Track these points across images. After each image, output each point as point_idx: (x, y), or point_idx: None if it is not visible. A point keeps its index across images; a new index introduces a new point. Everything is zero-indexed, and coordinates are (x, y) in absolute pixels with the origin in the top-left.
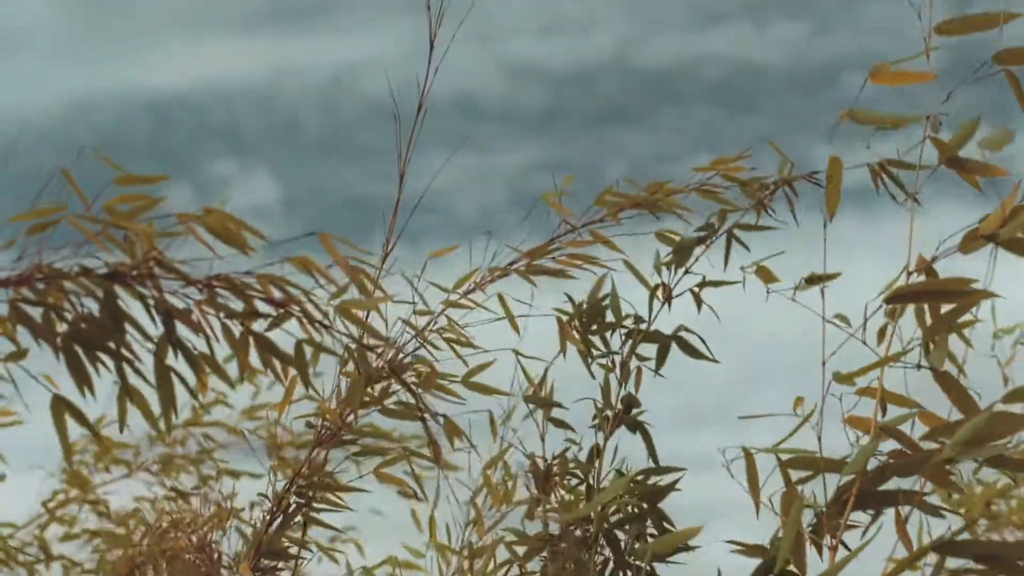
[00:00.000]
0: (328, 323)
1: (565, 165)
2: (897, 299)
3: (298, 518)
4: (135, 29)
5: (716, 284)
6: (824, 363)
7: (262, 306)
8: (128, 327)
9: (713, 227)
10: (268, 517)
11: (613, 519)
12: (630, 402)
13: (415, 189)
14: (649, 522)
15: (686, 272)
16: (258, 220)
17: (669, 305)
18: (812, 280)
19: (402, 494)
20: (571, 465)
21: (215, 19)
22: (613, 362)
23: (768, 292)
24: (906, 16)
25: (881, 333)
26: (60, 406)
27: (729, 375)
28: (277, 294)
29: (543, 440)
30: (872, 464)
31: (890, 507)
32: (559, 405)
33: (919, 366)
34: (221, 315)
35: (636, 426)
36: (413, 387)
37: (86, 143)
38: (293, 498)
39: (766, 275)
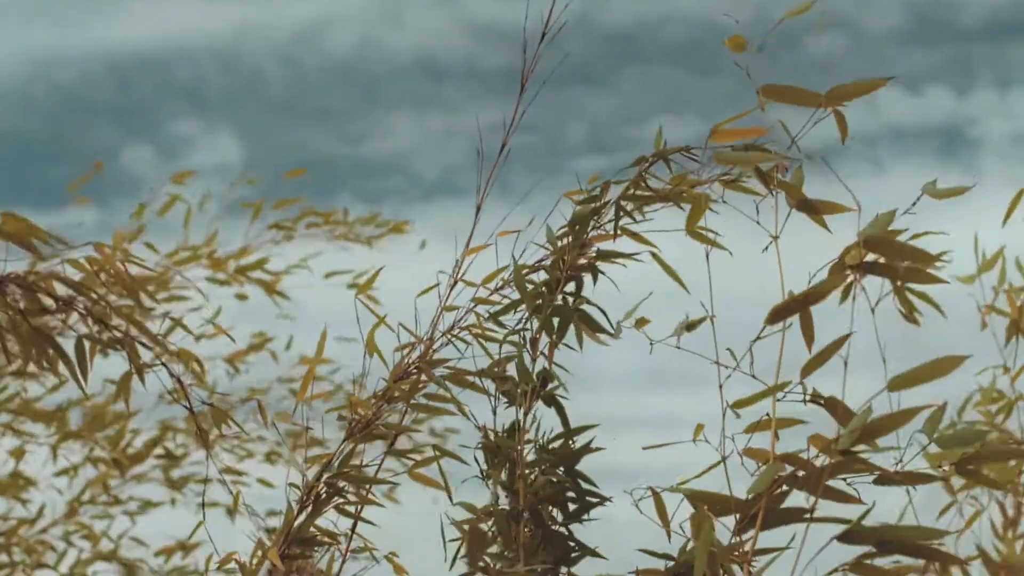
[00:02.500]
0: (107, 321)
1: (528, 125)
2: (776, 317)
3: (329, 506)
4: None
5: (610, 256)
6: (720, 386)
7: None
8: None
9: (598, 198)
10: (298, 506)
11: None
12: (545, 376)
13: (377, 149)
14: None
15: (583, 245)
16: (221, 180)
17: (567, 278)
18: (690, 326)
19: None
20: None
21: None
22: (524, 338)
23: (649, 344)
24: None
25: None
26: None
27: (693, 335)
28: (62, 291)
29: (495, 413)
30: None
31: (795, 522)
32: (510, 379)
33: (805, 400)
34: (10, 312)
35: (551, 400)
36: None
37: (48, 102)
38: (323, 488)
39: (702, 238)
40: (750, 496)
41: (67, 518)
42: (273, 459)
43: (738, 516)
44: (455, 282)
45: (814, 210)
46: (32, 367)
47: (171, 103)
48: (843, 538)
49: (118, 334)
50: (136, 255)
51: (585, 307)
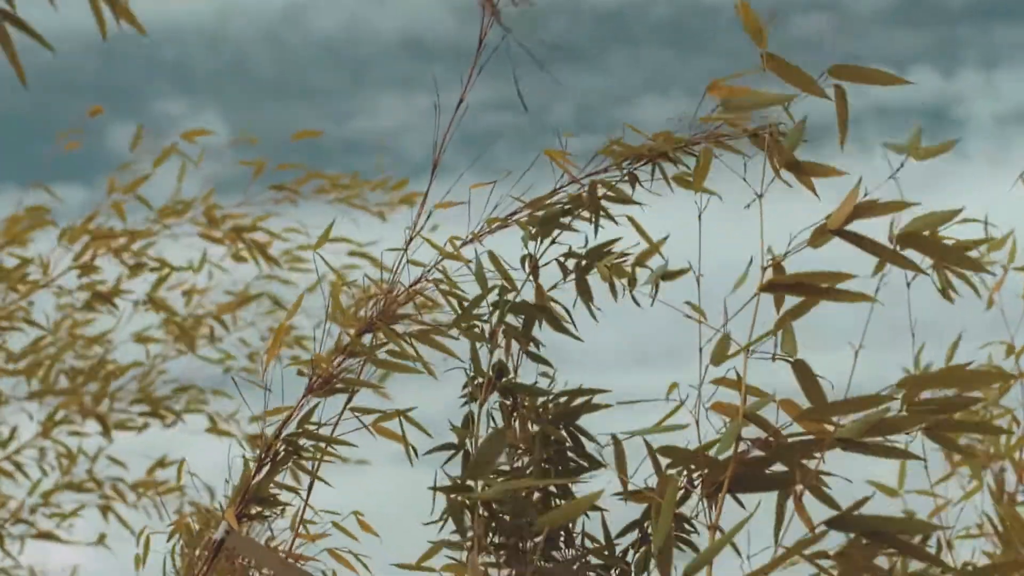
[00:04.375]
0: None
1: (515, 104)
2: (770, 290)
3: (288, 465)
4: None
5: (578, 256)
6: (700, 349)
7: None
8: None
9: (581, 197)
10: (257, 463)
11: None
12: (501, 369)
13: (364, 127)
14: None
15: (553, 242)
16: (207, 159)
17: (535, 276)
18: (667, 276)
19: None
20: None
21: None
22: (482, 331)
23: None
24: None
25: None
26: None
27: (676, 313)
28: None
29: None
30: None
31: (769, 491)
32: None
33: (774, 356)
34: None
35: (507, 392)
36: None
37: (31, 80)
38: (282, 446)
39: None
40: (719, 457)
41: (41, 437)
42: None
43: (704, 477)
44: (412, 236)
45: (802, 171)
46: None
47: (157, 82)
48: (832, 524)
49: None
50: None
51: (550, 304)
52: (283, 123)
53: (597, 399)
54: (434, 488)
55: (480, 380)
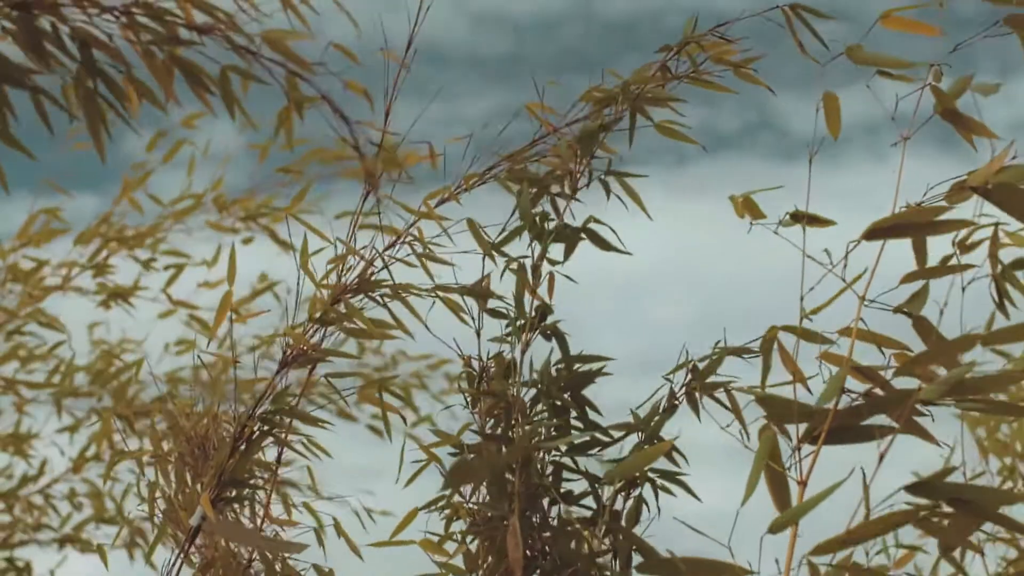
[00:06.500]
0: (255, 50)
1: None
2: (876, 235)
3: (264, 443)
4: None
5: (621, 175)
6: (802, 298)
7: (185, 34)
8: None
9: (617, 101)
10: (231, 444)
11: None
12: (544, 310)
13: (377, 135)
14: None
15: (589, 163)
16: (218, 156)
17: (574, 194)
18: (797, 217)
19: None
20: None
21: None
22: (523, 266)
23: (751, 225)
24: None
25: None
26: None
27: (693, 318)
28: (200, 18)
29: (479, 335)
30: (846, 403)
31: (863, 442)
32: (495, 295)
33: (896, 309)
34: (142, 40)
35: (552, 333)
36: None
37: (50, 83)
38: (257, 425)
39: (752, 208)
40: (820, 405)
41: (73, 473)
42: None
43: (802, 427)
44: (380, 201)
45: (961, 123)
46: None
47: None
48: (913, 489)
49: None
50: None
51: (592, 225)
52: (296, 129)
53: (601, 368)
54: (461, 448)
55: (522, 321)
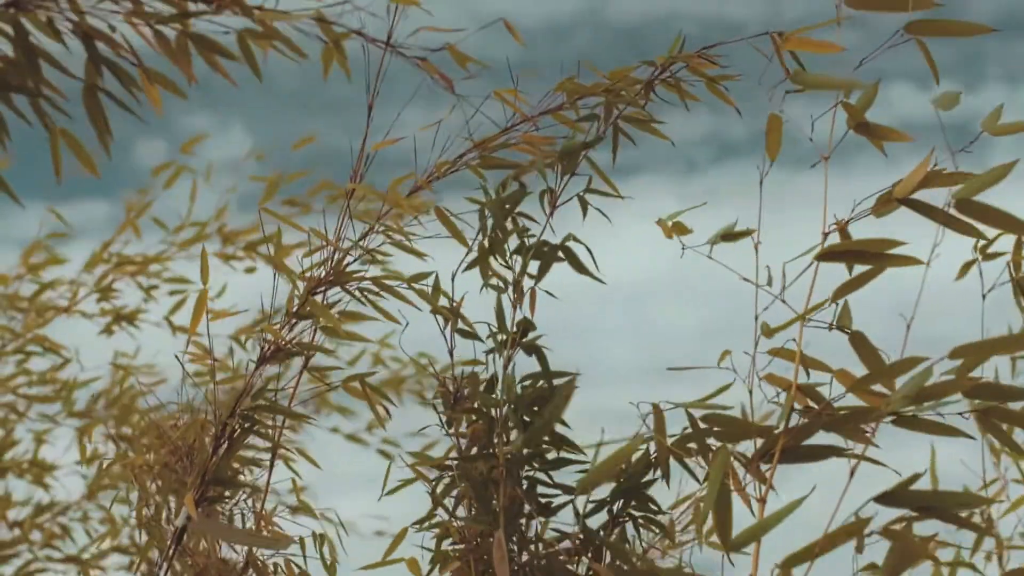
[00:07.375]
0: (268, 21)
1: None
2: (828, 258)
3: (248, 440)
4: None
5: (601, 193)
6: (757, 318)
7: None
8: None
9: (597, 118)
10: (213, 443)
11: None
12: (526, 325)
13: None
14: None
15: (572, 175)
16: (232, 174)
17: (552, 212)
18: (727, 236)
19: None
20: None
21: None
22: (505, 282)
23: (683, 249)
24: None
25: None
26: None
27: (698, 327)
28: None
29: (451, 355)
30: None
31: (815, 461)
32: (466, 321)
33: (831, 326)
34: (152, 23)
35: (532, 349)
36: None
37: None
38: (239, 422)
39: (680, 228)
40: (777, 429)
41: (87, 499)
42: None
43: (756, 446)
44: (353, 188)
45: (873, 134)
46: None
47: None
48: (882, 500)
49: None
50: None
51: (571, 244)
52: (307, 137)
53: (571, 381)
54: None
55: (503, 337)
